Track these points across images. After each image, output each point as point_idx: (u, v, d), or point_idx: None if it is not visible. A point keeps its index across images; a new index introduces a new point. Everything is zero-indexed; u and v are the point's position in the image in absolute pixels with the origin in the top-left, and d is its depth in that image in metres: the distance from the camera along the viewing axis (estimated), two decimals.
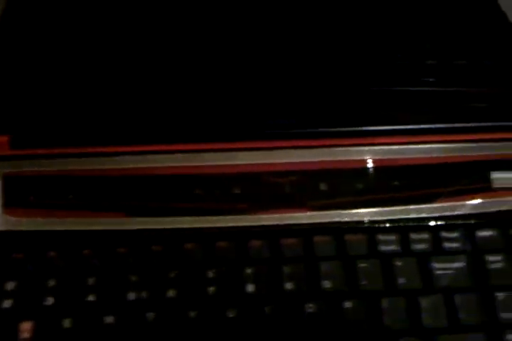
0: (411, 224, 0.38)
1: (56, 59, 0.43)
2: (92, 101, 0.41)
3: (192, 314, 0.35)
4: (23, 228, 0.37)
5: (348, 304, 0.35)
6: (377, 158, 0.39)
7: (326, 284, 0.36)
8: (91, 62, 0.42)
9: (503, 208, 0.38)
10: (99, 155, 0.38)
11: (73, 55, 0.43)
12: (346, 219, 0.38)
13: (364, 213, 0.38)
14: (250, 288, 0.36)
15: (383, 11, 0.47)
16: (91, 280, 0.35)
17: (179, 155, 0.39)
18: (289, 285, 0.36)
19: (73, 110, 0.40)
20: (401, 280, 0.36)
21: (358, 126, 0.40)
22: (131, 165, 0.38)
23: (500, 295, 0.36)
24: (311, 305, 0.35)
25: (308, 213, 0.38)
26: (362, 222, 0.38)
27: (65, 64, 0.42)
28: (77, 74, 0.42)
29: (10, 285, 0.35)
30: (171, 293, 0.35)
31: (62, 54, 0.43)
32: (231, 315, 0.35)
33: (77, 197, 0.38)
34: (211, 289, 0.36)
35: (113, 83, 0.41)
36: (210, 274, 0.36)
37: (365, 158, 0.39)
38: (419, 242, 0.37)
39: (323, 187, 0.39)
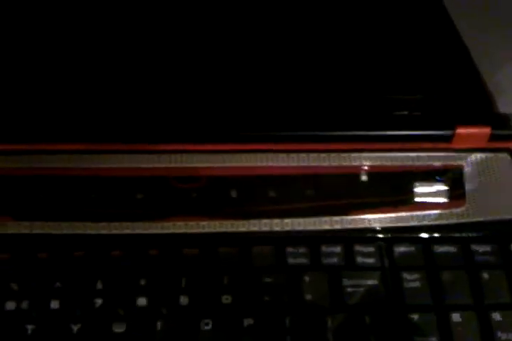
0: (323, 236, 0.35)
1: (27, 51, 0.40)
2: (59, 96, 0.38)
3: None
4: None
5: (248, 321, 0.32)
6: (290, 165, 0.37)
7: (226, 300, 0.33)
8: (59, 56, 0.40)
9: (425, 222, 0.36)
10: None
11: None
12: (255, 229, 0.35)
13: (274, 223, 0.36)
14: (141, 302, 0.33)
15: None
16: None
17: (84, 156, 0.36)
18: (184, 300, 0.33)
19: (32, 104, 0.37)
20: (308, 297, 0.33)
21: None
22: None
23: (415, 317, 0.33)
24: (206, 320, 0.32)
25: (214, 222, 0.35)
26: (271, 232, 0.35)
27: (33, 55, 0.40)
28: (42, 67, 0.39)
29: None
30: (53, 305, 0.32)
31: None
32: (120, 330, 0.32)
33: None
34: (98, 302, 0.33)
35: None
36: (99, 285, 0.33)
37: (284, 164, 0.37)
38: (331, 256, 0.35)
39: (233, 194, 0.36)
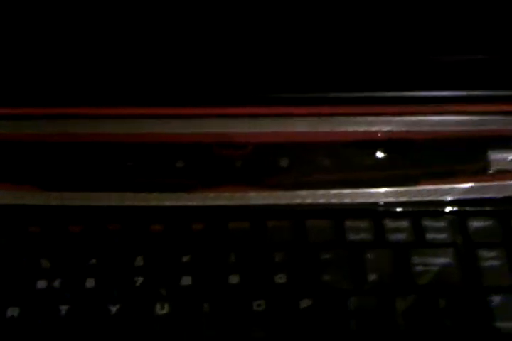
0: (388, 209, 0.31)
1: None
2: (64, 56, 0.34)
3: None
4: None
5: (305, 303, 0.29)
6: (352, 130, 0.33)
7: (279, 279, 0.29)
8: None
9: (503, 194, 0.32)
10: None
11: None
12: (309, 201, 0.32)
13: (332, 194, 0.32)
14: (185, 281, 0.29)
15: None
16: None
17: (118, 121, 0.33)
18: (234, 279, 0.29)
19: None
20: (372, 277, 0.30)
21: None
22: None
23: (495, 300, 0.29)
24: (259, 302, 0.29)
25: (265, 193, 0.32)
26: (328, 205, 0.31)
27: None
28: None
29: None
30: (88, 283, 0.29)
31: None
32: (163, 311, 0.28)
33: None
34: (139, 280, 0.29)
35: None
36: (139, 262, 0.30)
37: (345, 129, 0.33)
38: (397, 231, 0.31)
39: (283, 163, 0.33)
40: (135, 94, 0.33)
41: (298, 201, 0.31)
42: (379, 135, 0.32)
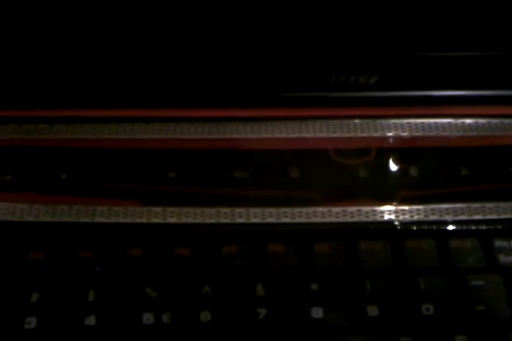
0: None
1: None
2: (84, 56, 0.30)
3: None
4: None
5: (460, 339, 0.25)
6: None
7: (427, 311, 0.25)
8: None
9: None
10: (96, 120, 0.27)
11: None
12: (450, 217, 0.27)
13: (474, 209, 0.28)
14: (316, 313, 0.25)
15: None
16: (90, 296, 0.25)
17: (214, 124, 0.28)
18: (372, 311, 0.25)
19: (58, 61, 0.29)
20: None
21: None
22: (151, 136, 0.28)
23: None
24: (406, 338, 0.25)
25: (397, 207, 0.28)
26: (470, 222, 0.27)
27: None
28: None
29: None
30: (204, 316, 0.25)
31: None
32: None
33: (73, 177, 0.27)
34: (262, 311, 0.25)
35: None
36: (260, 291, 0.26)
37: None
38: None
39: (413, 172, 0.28)
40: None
41: (435, 217, 0.27)
42: None
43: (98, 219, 0.26)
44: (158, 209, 0.27)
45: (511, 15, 0.29)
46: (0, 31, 0.27)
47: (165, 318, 0.24)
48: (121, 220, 0.26)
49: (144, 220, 0.26)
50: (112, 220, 0.26)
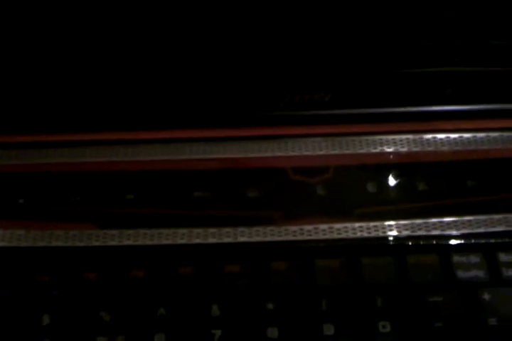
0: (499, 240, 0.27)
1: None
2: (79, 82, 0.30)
3: None
4: None
5: None
6: (448, 149, 0.29)
7: (382, 328, 0.25)
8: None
9: None
10: (62, 145, 0.28)
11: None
12: (406, 233, 0.27)
13: (430, 224, 0.28)
14: (271, 333, 0.25)
15: None
16: (45, 319, 0.25)
17: (172, 145, 0.28)
18: (327, 329, 0.25)
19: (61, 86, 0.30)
20: (492, 322, 0.25)
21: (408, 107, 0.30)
22: (107, 158, 0.28)
23: None
24: None
25: (356, 224, 0.28)
26: (429, 237, 0.27)
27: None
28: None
29: None
30: (159, 338, 0.25)
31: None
32: None
33: (29, 201, 0.27)
34: (217, 333, 0.25)
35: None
36: (215, 312, 0.26)
37: (430, 149, 0.29)
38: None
39: (371, 188, 0.28)
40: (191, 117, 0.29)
41: (394, 233, 0.27)
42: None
43: (55, 243, 0.26)
44: (115, 231, 0.27)
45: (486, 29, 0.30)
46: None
47: None
48: (77, 244, 0.26)
49: (99, 243, 0.26)
50: (69, 244, 0.26)
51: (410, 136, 0.30)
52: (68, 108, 0.27)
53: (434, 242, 0.26)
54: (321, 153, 0.29)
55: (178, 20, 0.30)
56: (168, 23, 0.30)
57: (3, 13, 0.30)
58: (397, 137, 0.30)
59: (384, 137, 0.30)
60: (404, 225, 0.27)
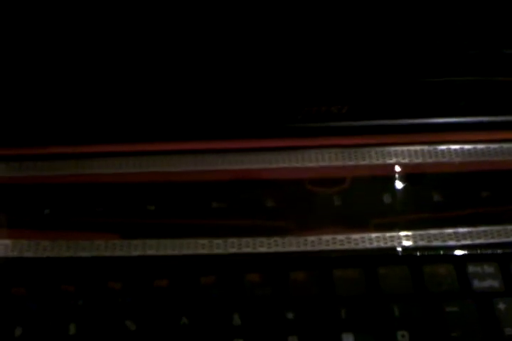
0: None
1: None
2: (89, 92, 0.31)
3: None
4: None
5: None
6: (462, 160, 0.29)
7: (402, 337, 0.26)
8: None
9: None
10: (84, 156, 0.28)
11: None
12: (423, 243, 0.28)
13: (446, 234, 0.28)
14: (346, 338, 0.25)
15: None
16: (72, 329, 0.26)
17: (190, 156, 0.29)
18: (347, 338, 0.26)
19: (69, 98, 0.30)
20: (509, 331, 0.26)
21: (424, 119, 0.30)
22: (129, 169, 0.29)
23: None
24: None
25: (372, 235, 0.28)
26: (447, 247, 0.28)
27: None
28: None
29: None
30: None
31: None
32: None
33: (55, 212, 0.28)
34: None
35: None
36: (237, 321, 0.26)
37: (444, 160, 0.30)
38: None
39: (386, 199, 0.29)
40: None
41: (410, 244, 0.28)
42: None
43: (80, 254, 0.27)
44: (138, 241, 0.27)
45: (493, 39, 0.30)
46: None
47: None
48: (102, 253, 0.27)
49: (123, 253, 0.27)
50: (94, 254, 0.27)
51: (425, 147, 0.30)
52: (95, 120, 0.28)
53: (450, 252, 0.27)
54: (338, 164, 0.30)
55: (195, 33, 0.30)
56: (183, 37, 0.30)
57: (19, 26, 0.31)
58: (412, 148, 0.30)
59: (399, 148, 0.30)
60: (420, 235, 0.28)
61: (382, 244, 0.27)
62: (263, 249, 0.28)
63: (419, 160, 0.30)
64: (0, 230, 0.27)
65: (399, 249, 0.27)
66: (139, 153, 0.28)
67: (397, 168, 0.30)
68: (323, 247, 0.28)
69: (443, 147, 0.30)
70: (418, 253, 0.27)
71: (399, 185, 0.29)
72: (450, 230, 0.28)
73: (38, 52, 0.29)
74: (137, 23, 0.31)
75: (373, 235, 0.28)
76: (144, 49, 0.29)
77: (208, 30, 0.30)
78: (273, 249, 0.28)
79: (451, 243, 0.28)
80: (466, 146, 0.30)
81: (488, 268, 0.27)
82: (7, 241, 0.27)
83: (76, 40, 0.29)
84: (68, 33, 0.30)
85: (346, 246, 0.28)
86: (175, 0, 0.28)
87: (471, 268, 0.27)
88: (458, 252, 0.27)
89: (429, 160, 0.30)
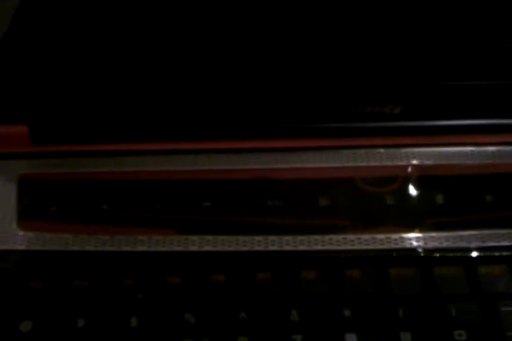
0: None
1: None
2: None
3: None
4: (43, 247, 0.28)
5: None
6: None
7: (459, 336, 0.26)
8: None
9: None
10: (135, 154, 0.29)
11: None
12: (476, 244, 0.28)
13: (499, 235, 0.28)
14: (349, 338, 0.26)
15: None
16: (133, 322, 0.26)
17: (251, 155, 0.30)
18: (404, 337, 0.26)
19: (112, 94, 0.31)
20: None
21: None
22: (187, 167, 0.29)
23: None
24: None
25: (425, 234, 0.28)
26: (500, 249, 0.28)
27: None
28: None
29: (26, 326, 0.26)
30: None
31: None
32: None
33: (113, 207, 0.29)
34: (297, 338, 0.26)
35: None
36: (294, 317, 0.27)
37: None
38: None
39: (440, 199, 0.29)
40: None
41: (463, 244, 0.28)
42: None
43: (139, 248, 0.27)
44: (195, 237, 0.28)
45: None
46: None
47: None
48: (160, 248, 0.27)
49: (181, 248, 0.28)
50: (152, 249, 0.27)
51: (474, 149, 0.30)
52: (149, 118, 0.29)
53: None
54: (388, 164, 0.30)
55: (235, 36, 0.31)
56: (217, 40, 0.31)
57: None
58: (458, 149, 0.31)
59: (450, 149, 0.31)
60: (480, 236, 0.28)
61: (437, 244, 0.28)
62: (318, 247, 0.28)
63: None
64: (61, 225, 0.28)
65: (455, 248, 0.28)
66: (198, 151, 0.29)
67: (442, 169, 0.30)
68: (378, 246, 0.28)
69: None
70: (474, 254, 0.27)
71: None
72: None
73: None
74: (138, 24, 0.32)
75: (430, 234, 0.28)
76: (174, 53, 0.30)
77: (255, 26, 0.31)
78: (327, 247, 0.28)
79: (505, 243, 0.28)
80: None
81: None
82: (68, 236, 0.28)
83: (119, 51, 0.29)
84: (119, 45, 0.31)
85: (400, 246, 0.28)
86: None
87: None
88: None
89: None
